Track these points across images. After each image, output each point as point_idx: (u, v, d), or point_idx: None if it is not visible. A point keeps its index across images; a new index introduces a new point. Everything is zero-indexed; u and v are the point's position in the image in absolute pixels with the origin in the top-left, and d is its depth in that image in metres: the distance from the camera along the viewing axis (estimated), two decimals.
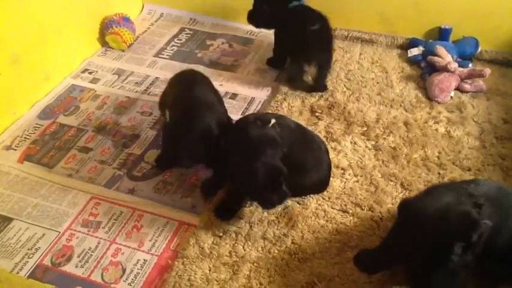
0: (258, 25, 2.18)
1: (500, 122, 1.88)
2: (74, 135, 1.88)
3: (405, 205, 1.23)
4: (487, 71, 1.96)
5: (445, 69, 2.00)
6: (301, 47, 1.98)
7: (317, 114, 1.92)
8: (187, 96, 1.64)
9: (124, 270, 1.42)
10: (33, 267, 1.43)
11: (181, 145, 1.58)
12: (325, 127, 1.86)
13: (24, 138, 1.87)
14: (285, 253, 1.42)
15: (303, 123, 1.87)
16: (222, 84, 2.12)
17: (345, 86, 2.07)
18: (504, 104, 1.96)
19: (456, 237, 1.09)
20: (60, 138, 1.87)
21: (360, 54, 2.27)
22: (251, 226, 1.50)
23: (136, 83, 2.17)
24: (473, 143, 1.78)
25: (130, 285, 1.38)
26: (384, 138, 1.80)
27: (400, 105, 1.96)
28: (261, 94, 2.08)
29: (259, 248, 1.44)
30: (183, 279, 1.37)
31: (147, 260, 1.44)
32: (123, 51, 2.37)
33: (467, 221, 1.11)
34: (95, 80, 2.18)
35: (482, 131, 1.83)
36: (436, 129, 1.84)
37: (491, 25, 2.17)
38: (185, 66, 2.24)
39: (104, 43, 2.39)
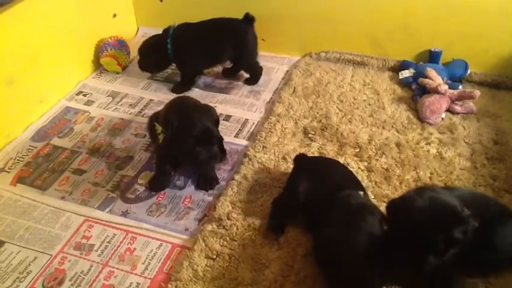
0: (153, 71, 2.35)
1: (491, 143, 1.90)
2: (67, 158, 1.88)
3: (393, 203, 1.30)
4: (477, 92, 2.00)
5: (435, 91, 2.03)
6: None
7: (310, 135, 1.94)
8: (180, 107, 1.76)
9: None
10: None
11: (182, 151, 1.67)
12: (318, 148, 1.88)
13: (18, 160, 1.87)
14: (278, 275, 1.41)
15: (296, 144, 1.90)
16: (216, 106, 2.14)
17: (337, 107, 2.10)
18: (494, 126, 1.99)
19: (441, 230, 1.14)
20: (53, 161, 1.87)
21: (352, 76, 2.31)
22: (244, 248, 1.50)
23: (131, 105, 2.18)
24: (464, 164, 1.80)
25: None
26: (377, 160, 1.81)
27: (392, 127, 1.98)
28: (254, 116, 2.10)
29: (253, 270, 1.43)
30: None
31: (140, 283, 1.43)
32: (117, 73, 2.39)
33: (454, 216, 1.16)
34: (89, 102, 2.20)
35: (473, 152, 1.85)
36: (428, 150, 1.86)
37: (480, 48, 2.22)
38: None
39: (98, 66, 2.42)
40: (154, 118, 1.85)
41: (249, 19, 2.15)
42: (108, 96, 2.24)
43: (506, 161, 1.80)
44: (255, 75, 2.27)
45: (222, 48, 2.17)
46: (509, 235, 1.34)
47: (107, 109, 2.16)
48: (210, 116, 1.72)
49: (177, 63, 2.26)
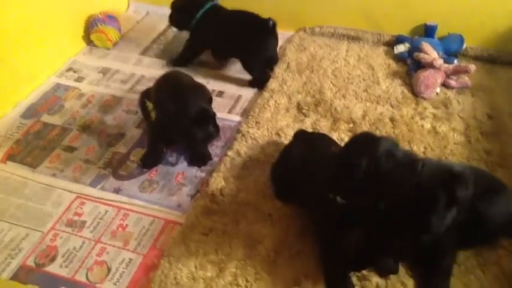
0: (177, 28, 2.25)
1: (485, 117, 1.89)
2: (58, 135, 1.86)
3: None
4: (472, 67, 1.97)
5: (430, 65, 2.00)
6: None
7: (304, 111, 1.92)
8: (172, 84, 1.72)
9: (109, 270, 1.40)
10: (16, 268, 1.40)
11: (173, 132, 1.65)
12: (311, 124, 1.86)
13: (8, 137, 1.84)
14: (271, 250, 1.41)
15: (289, 120, 1.88)
16: (208, 82, 2.11)
17: (331, 82, 2.07)
18: (489, 100, 1.97)
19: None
20: (44, 138, 1.84)
21: (347, 51, 2.28)
22: (237, 224, 1.49)
23: (122, 81, 2.15)
24: (458, 139, 1.79)
25: (116, 284, 1.36)
26: None
27: (387, 102, 1.96)
28: (247, 92, 2.08)
29: (246, 246, 1.43)
30: (169, 277, 1.35)
31: (132, 259, 1.42)
32: (108, 49, 2.35)
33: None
34: (79, 79, 2.16)
35: (468, 127, 1.84)
36: (422, 125, 1.84)
37: (476, 22, 2.19)
38: None
39: (89, 41, 2.37)
40: (146, 95, 1.82)
41: (265, 26, 2.02)
42: (99, 72, 2.20)
43: (500, 135, 1.80)
44: (255, 80, 2.12)
45: (231, 45, 2.09)
46: (501, 206, 1.35)
47: (98, 86, 2.12)
48: (204, 95, 1.71)
49: (190, 35, 2.19)
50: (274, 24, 2.02)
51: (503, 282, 1.33)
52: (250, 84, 2.11)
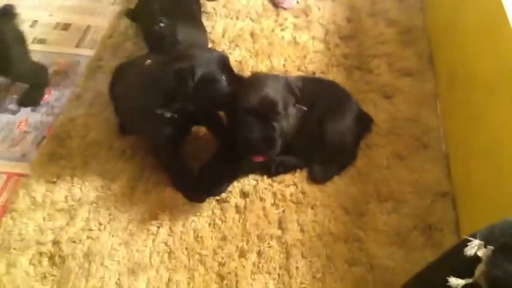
0: None
1: (345, 21, 1.86)
2: None
3: None
4: None
5: None
6: None
7: None
8: None
9: None
10: None
11: None
12: None
13: None
14: (126, 188, 1.33)
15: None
16: (52, 14, 1.88)
17: None
18: (349, 4, 1.94)
19: None
20: None
21: None
22: (87, 165, 1.38)
23: None
24: (318, 46, 1.76)
25: None
26: (230, 53, 1.71)
27: (247, 16, 1.87)
28: (97, 21, 1.88)
29: (98, 187, 1.34)
30: (13, 234, 1.24)
31: None
32: None
33: None
34: None
35: (327, 33, 1.81)
36: (283, 37, 1.79)
37: None
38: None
39: None
40: None
41: None
42: None
43: (358, 37, 1.79)
44: None
45: None
46: (342, 126, 1.37)
47: None
48: None
49: None
50: None
51: (357, 182, 1.36)
52: None
